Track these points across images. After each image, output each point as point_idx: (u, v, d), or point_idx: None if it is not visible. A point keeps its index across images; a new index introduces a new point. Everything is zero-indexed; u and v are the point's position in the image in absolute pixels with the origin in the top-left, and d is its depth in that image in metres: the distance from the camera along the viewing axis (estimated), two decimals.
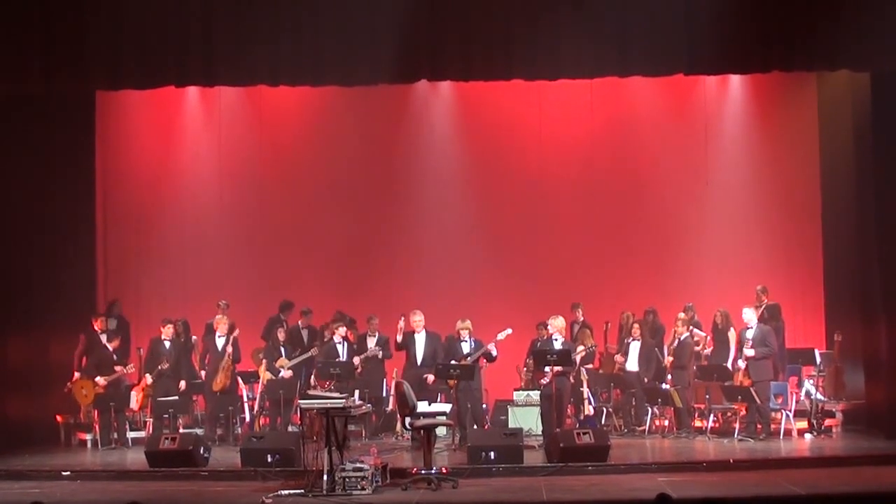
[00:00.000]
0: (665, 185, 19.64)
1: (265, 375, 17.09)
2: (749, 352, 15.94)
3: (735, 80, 19.35)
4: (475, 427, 15.68)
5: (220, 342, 17.06)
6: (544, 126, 19.80)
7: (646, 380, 17.20)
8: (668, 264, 19.41)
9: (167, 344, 17.14)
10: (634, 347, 17.44)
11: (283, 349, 17.43)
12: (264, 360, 17.23)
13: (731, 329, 16.77)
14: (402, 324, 16.59)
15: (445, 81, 18.63)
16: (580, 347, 17.03)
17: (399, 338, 16.62)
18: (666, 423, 17.24)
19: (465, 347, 16.13)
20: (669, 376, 17.03)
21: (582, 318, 18.10)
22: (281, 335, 17.53)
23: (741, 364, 16.21)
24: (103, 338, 17.11)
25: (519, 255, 19.81)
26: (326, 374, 16.70)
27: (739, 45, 15.28)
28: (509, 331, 16.06)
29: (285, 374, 17.03)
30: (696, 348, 17.38)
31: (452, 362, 15.85)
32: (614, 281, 19.27)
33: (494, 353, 16.06)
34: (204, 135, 20.05)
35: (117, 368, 16.82)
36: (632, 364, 17.38)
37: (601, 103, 19.63)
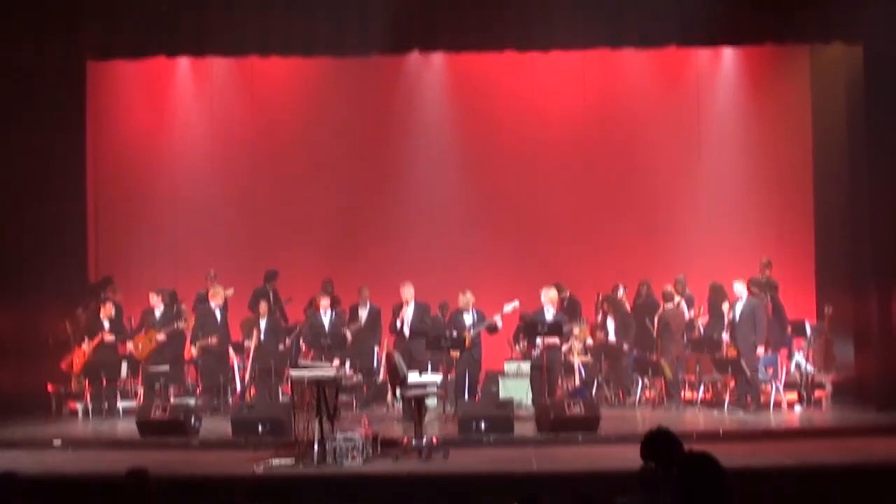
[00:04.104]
0: (657, 158, 19.55)
1: (253, 345, 17.02)
2: (760, 350, 16.00)
3: (727, 54, 19.28)
4: (466, 398, 15.65)
5: (218, 313, 17.06)
6: (536, 98, 19.73)
7: (625, 346, 17.19)
8: (661, 236, 19.34)
9: (157, 314, 17.08)
10: (611, 324, 17.46)
11: (262, 321, 17.30)
12: (255, 331, 17.14)
13: (726, 302, 16.71)
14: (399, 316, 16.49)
15: (437, 53, 18.56)
16: (576, 330, 17.00)
17: (398, 323, 16.47)
18: (655, 394, 17.22)
19: (468, 319, 16.08)
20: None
21: (569, 294, 17.95)
22: (262, 307, 17.40)
23: (725, 336, 16.18)
24: (105, 324, 16.99)
25: (511, 227, 19.74)
26: (316, 345, 16.63)
27: (732, 17, 15.22)
28: (516, 303, 16.05)
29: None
30: (690, 319, 17.34)
31: (453, 334, 15.84)
32: (608, 252, 19.21)
33: (500, 325, 16.06)
34: (195, 107, 19.92)
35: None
36: (613, 338, 17.42)
37: (593, 76, 19.57)
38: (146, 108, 19.90)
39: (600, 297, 18.03)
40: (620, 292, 18.03)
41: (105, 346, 16.85)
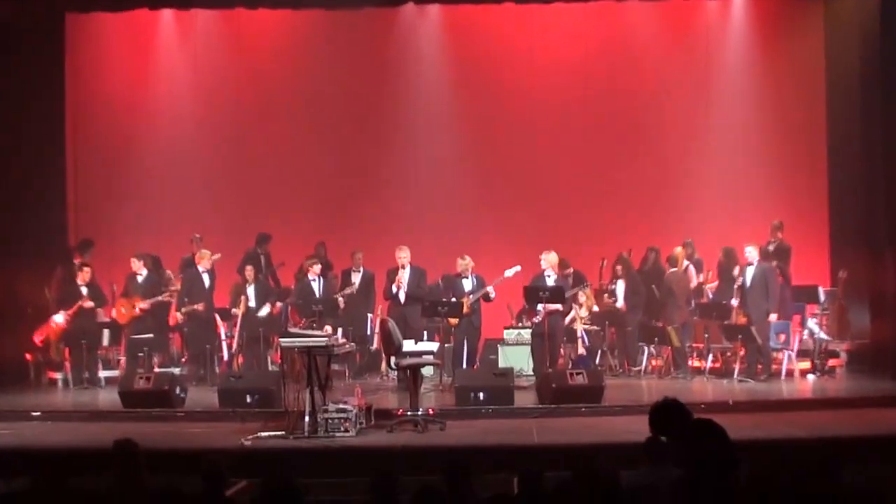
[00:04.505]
0: (664, 115, 19.48)
1: (241, 312, 17.00)
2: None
3: (738, 4, 19.20)
4: (464, 367, 15.64)
5: (206, 278, 17.05)
6: (537, 52, 19.65)
7: (632, 312, 17.21)
8: (669, 199, 19.29)
9: (139, 279, 17.07)
10: (621, 287, 17.44)
11: (250, 287, 17.28)
12: (242, 298, 17.11)
13: (737, 267, 16.67)
14: (396, 279, 16.20)
15: (433, 4, 18.42)
16: (581, 297, 17.00)
17: (393, 288, 16.22)
18: (662, 363, 17.22)
19: (467, 285, 16.07)
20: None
21: (573, 271, 17.89)
22: (249, 272, 17.37)
23: (734, 302, 16.17)
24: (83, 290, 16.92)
25: (511, 186, 19.69)
26: (307, 312, 16.62)
27: None
28: (518, 268, 16.01)
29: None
30: (698, 285, 17.32)
31: (453, 300, 15.85)
32: (613, 215, 19.20)
33: (493, 294, 16.02)
34: (179, 61, 19.84)
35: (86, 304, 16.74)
36: (622, 303, 17.43)
37: (596, 27, 19.51)
38: (128, 62, 19.80)
39: (604, 263, 17.99)
40: (652, 256, 17.99)
41: (84, 312, 16.79)
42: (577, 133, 19.59)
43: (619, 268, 17.52)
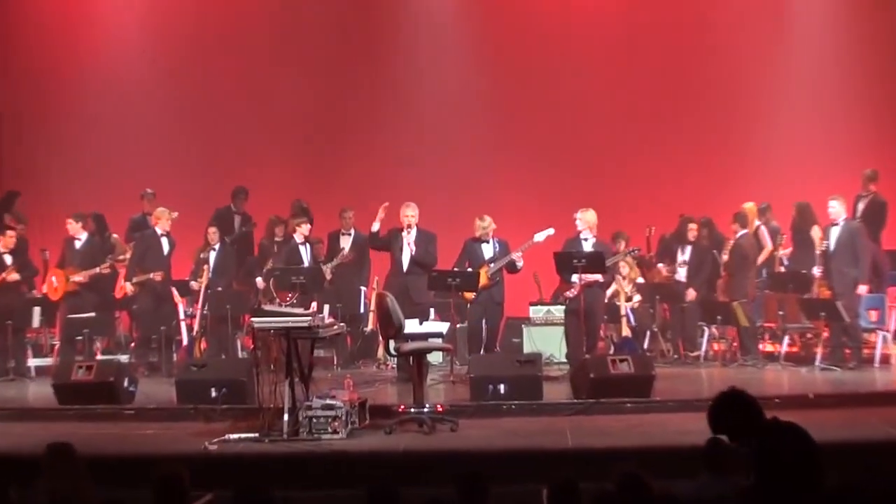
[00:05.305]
0: (728, 50, 19.47)
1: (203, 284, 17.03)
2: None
3: None
4: (481, 353, 15.66)
5: (164, 242, 17.05)
6: None
7: (692, 291, 17.24)
8: (735, 149, 19.27)
9: (78, 244, 17.08)
10: (684, 255, 17.47)
11: (213, 254, 17.31)
12: (205, 268, 17.12)
13: (815, 226, 16.64)
14: (381, 213, 15.90)
15: None
16: (624, 267, 17.02)
17: (375, 226, 15.93)
18: (726, 346, 17.23)
19: (487, 251, 16.02)
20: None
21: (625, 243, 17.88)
22: (212, 234, 17.39)
23: (816, 272, 16.16)
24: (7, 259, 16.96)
25: (539, 136, 19.74)
26: (286, 284, 16.60)
27: None
28: (550, 231, 15.86)
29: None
30: (772, 253, 17.34)
31: (468, 269, 15.84)
32: (659, 176, 19.20)
33: (520, 263, 15.93)
34: None
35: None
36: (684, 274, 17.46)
37: None
38: None
39: (651, 230, 17.96)
40: (706, 232, 17.94)
41: (8, 287, 16.83)
42: (620, 74, 19.64)
43: (691, 229, 17.41)
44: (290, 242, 17.23)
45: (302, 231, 17.09)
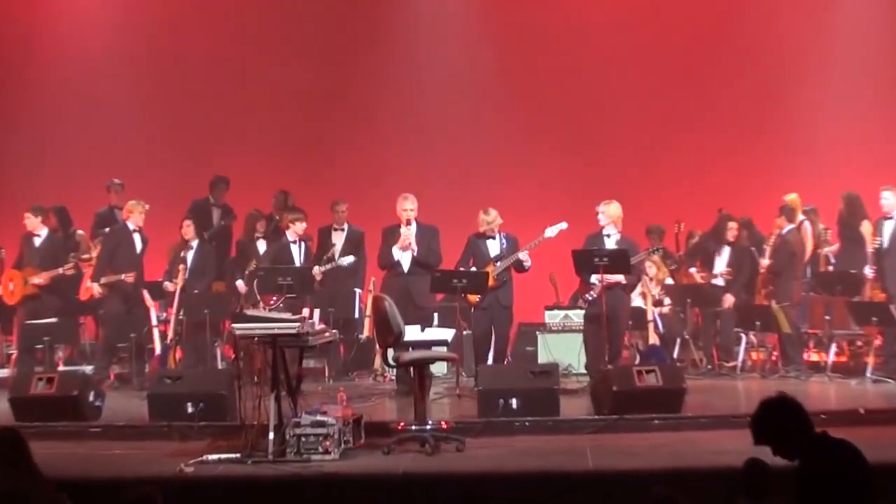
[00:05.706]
0: (769, 24, 19.44)
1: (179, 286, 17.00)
2: None
3: None
4: (490, 363, 15.63)
5: (137, 238, 17.00)
6: None
7: (730, 297, 17.17)
8: (769, 143, 19.29)
9: (37, 241, 17.07)
10: (723, 257, 17.44)
11: (190, 253, 17.30)
12: (180, 268, 17.08)
13: (865, 221, 16.60)
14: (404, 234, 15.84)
15: None
16: (651, 268, 17.00)
17: (396, 252, 15.88)
18: (766, 356, 17.21)
19: (493, 248, 16.01)
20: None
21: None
22: (188, 229, 17.33)
23: (868, 272, 16.12)
24: None
25: (553, 121, 19.78)
26: (272, 286, 16.57)
27: None
28: (563, 225, 15.83)
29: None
30: (815, 249, 17.32)
31: (473, 269, 15.80)
32: (688, 165, 19.21)
33: (528, 262, 15.90)
34: None
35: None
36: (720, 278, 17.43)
37: None
38: None
39: (680, 226, 17.97)
40: (745, 234, 17.93)
41: None
42: (645, 54, 19.68)
43: (732, 226, 17.35)
44: (281, 240, 17.19)
45: (296, 229, 17.06)
